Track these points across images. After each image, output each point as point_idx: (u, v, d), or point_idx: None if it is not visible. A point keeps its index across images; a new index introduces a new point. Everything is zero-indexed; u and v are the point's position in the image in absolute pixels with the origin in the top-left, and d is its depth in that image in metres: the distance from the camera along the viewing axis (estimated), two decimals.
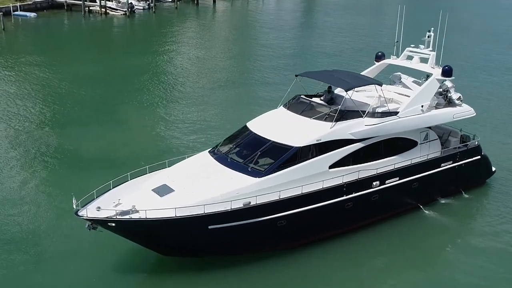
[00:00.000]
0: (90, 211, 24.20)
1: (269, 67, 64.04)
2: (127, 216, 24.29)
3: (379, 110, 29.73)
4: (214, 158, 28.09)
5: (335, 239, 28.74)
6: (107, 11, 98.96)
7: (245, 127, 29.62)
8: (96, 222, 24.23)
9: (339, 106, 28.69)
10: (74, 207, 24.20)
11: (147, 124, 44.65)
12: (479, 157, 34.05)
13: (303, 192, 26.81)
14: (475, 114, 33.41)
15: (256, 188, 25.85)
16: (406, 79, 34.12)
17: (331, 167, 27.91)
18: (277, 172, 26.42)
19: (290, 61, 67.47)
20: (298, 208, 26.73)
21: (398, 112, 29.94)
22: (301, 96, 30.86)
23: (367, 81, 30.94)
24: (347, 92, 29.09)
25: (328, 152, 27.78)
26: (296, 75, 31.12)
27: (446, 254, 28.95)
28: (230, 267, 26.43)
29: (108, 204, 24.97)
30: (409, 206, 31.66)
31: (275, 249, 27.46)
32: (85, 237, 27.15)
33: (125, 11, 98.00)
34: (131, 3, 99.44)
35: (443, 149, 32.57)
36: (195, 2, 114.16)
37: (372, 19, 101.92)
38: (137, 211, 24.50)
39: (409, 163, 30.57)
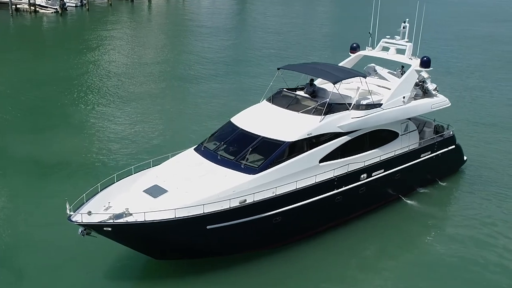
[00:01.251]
0: (83, 216, 22.77)
1: (219, 64, 63.56)
2: (122, 220, 23.02)
3: (364, 102, 29.54)
4: (203, 156, 27.13)
5: (324, 234, 28.38)
6: (37, 9, 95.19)
7: (230, 123, 28.78)
8: (91, 227, 22.83)
9: (327, 99, 28.28)
10: (68, 212, 22.73)
11: (109, 124, 42.84)
12: (454, 146, 34.53)
13: (297, 187, 26.29)
14: (450, 104, 33.78)
15: (252, 185, 25.11)
16: (381, 70, 34.14)
17: (321, 161, 27.51)
18: (271, 168, 25.76)
19: (240, 57, 67.22)
20: (293, 204, 26.20)
21: (382, 104, 29.85)
22: (284, 89, 30.33)
23: (352, 73, 30.65)
24: (335, 85, 28.69)
25: (318, 146, 27.34)
26: (278, 68, 30.53)
27: (430, 243, 28.87)
28: (225, 267, 25.48)
29: (99, 208, 23.63)
30: (392, 197, 31.72)
31: (271, 247, 26.82)
32: (71, 244, 25.87)
33: (56, 8, 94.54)
34: (62, 0, 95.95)
35: (420, 140, 32.77)
36: None
37: (310, 15, 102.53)
38: (131, 214, 23.23)
39: (393, 154, 30.59)
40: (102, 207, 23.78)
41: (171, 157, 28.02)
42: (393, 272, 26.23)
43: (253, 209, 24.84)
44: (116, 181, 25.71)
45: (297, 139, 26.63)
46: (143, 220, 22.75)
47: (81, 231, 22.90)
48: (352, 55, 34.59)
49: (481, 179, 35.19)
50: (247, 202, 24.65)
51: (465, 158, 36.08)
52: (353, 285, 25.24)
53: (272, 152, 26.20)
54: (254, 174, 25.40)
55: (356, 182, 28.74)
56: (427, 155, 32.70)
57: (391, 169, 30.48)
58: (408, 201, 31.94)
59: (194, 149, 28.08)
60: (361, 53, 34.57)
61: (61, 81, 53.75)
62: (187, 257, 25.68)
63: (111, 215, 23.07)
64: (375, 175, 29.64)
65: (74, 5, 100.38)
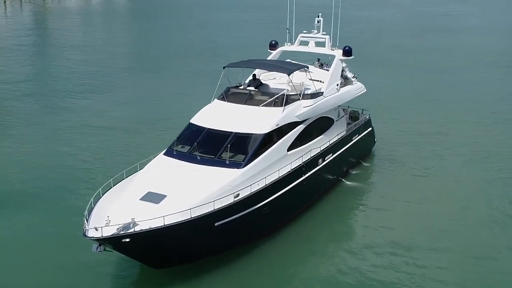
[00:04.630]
0: (98, 231, 21.41)
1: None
2: (137, 229, 22.00)
3: (309, 92, 31.02)
4: (179, 159, 26.72)
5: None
6: None
7: (192, 124, 28.66)
8: (108, 241, 21.50)
9: (285, 91, 29.32)
10: (88, 228, 21.35)
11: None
12: (371, 128, 37.32)
13: (280, 175, 27.13)
14: (366, 90, 36.50)
15: (242, 178, 25.47)
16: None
17: (288, 149, 28.50)
18: (254, 161, 26.30)
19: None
20: (280, 191, 27.16)
21: (323, 92, 31.54)
22: (231, 87, 30.86)
23: (298, 65, 32.10)
24: (289, 76, 29.86)
25: (283, 136, 28.31)
26: (224, 67, 30.83)
27: (373, 223, 30.14)
28: (208, 267, 25.17)
29: (101, 223, 22.24)
30: (336, 181, 33.45)
31: (266, 235, 27.36)
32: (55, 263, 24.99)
33: None
34: None
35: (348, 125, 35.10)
36: None
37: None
38: (137, 224, 22.22)
39: (336, 139, 32.43)
40: (103, 221, 22.36)
41: (139, 166, 27.19)
42: (343, 258, 26.89)
43: (253, 199, 25.29)
44: (102, 195, 24.50)
45: (269, 131, 27.40)
46: (163, 224, 21.99)
47: (97, 247, 21.53)
48: (273, 52, 35.88)
49: (393, 157, 38.30)
50: (246, 194, 24.98)
51: (375, 139, 39.08)
52: (312, 276, 25.60)
53: (250, 145, 26.74)
54: (242, 168, 25.75)
55: (316, 167, 30.14)
56: (356, 137, 35.05)
57: (336, 152, 32.30)
58: (349, 183, 33.98)
59: (164, 154, 27.50)
60: (281, 49, 36.02)
61: None
62: (190, 261, 25.04)
63: (119, 227, 21.91)
64: (327, 159, 31.26)
65: None
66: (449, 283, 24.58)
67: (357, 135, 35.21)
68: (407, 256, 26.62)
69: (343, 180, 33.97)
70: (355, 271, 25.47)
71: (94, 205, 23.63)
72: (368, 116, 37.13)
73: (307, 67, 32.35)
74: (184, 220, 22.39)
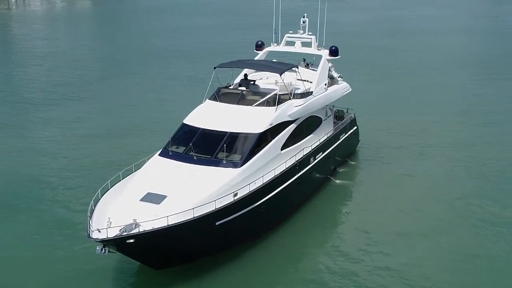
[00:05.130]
0: (102, 233, 21.31)
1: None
2: (140, 229, 21.92)
3: (299, 91, 31.28)
4: (176, 160, 26.72)
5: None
6: None
7: (186, 125, 28.67)
8: (113, 242, 21.40)
9: (277, 91, 29.53)
10: (91, 229, 21.28)
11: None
12: (356, 127, 37.77)
13: (276, 174, 27.29)
14: (351, 89, 36.90)
15: (240, 177, 25.66)
16: None
17: (281, 148, 28.71)
18: (251, 160, 26.51)
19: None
20: (277, 189, 27.33)
21: (312, 91, 31.83)
22: (222, 87, 30.96)
23: (289, 65, 32.31)
24: (280, 76, 30.07)
25: (277, 135, 28.51)
26: (215, 67, 30.88)
27: (372, 214, 30.91)
28: (208, 267, 25.22)
29: (102, 225, 22.12)
30: (325, 179, 33.77)
31: (264, 234, 27.57)
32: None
33: None
34: None
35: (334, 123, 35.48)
36: None
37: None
38: (140, 224, 22.16)
39: (325, 137, 32.75)
40: (104, 223, 22.20)
41: (134, 168, 27.12)
42: (342, 257, 27.05)
43: (253, 197, 25.47)
44: (101, 197, 24.39)
45: (264, 130, 27.59)
46: (167, 224, 21.99)
47: (101, 248, 21.42)
48: (260, 52, 36.06)
49: (377, 155, 38.89)
50: (245, 193, 25.11)
51: (359, 138, 39.55)
52: (311, 275, 25.82)
53: (246, 145, 26.92)
54: (239, 167, 25.92)
55: (309, 165, 30.40)
56: (343, 136, 35.43)
57: (326, 150, 32.64)
58: (338, 181, 34.31)
59: (160, 155, 27.45)
60: (268, 49, 36.23)
61: None
62: (190, 261, 25.07)
63: (122, 229, 21.80)
64: (318, 157, 31.55)
65: None
66: (442, 280, 24.99)
67: (344, 133, 35.60)
68: (400, 253, 27.06)
69: (332, 178, 34.28)
70: (352, 270, 25.80)
71: (95, 207, 23.48)
72: (353, 115, 37.54)
73: (297, 67, 32.61)
74: (187, 220, 22.44)
